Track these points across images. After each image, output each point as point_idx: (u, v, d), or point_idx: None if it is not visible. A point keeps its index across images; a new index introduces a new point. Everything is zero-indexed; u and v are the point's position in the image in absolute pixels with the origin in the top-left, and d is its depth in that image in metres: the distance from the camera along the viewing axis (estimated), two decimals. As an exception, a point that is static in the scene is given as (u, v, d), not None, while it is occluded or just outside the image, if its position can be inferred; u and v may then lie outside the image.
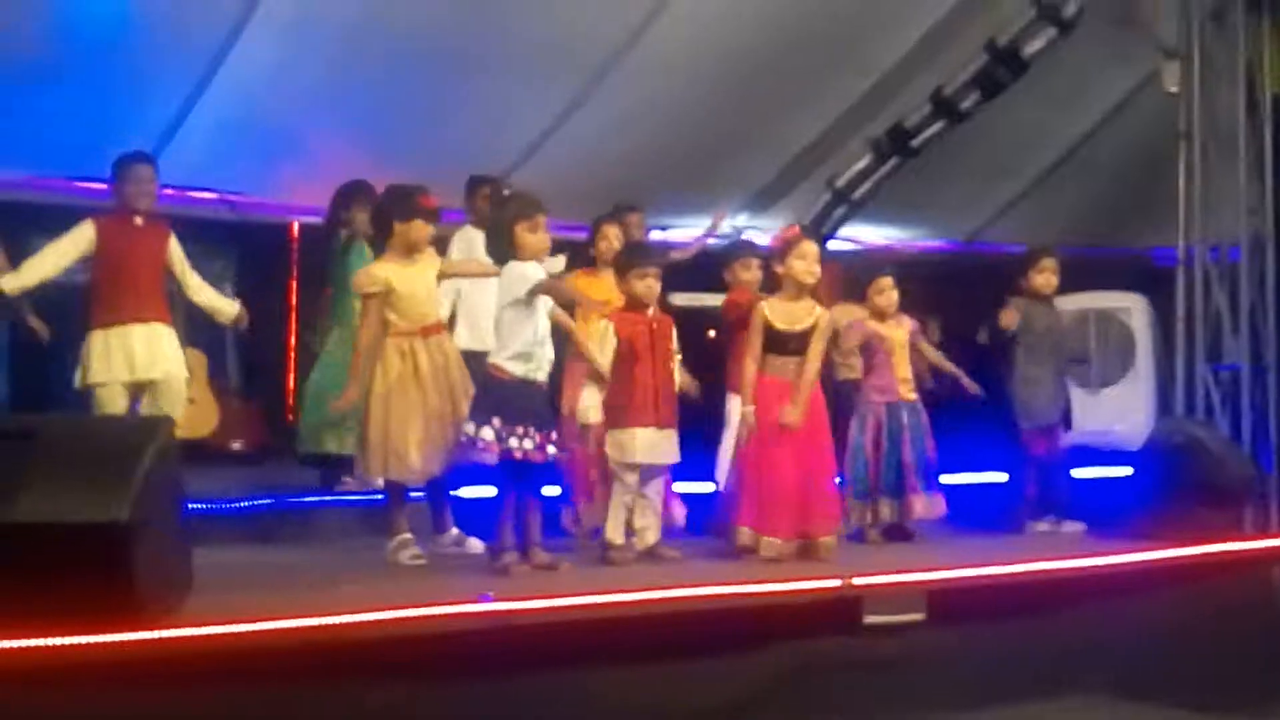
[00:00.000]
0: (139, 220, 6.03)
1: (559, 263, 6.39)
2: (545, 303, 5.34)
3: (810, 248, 5.78)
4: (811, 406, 5.74)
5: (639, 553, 5.68)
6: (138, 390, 5.99)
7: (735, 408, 5.98)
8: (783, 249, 5.80)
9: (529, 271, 5.26)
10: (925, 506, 6.38)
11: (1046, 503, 6.84)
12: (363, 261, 6.77)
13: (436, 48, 7.23)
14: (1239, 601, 6.17)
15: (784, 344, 5.73)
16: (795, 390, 5.67)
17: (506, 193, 6.48)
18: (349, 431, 6.49)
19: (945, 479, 6.63)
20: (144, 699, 3.92)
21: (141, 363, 5.93)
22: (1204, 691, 5.72)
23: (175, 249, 6.15)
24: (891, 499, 6.37)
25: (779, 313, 5.74)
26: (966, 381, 6.61)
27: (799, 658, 5.02)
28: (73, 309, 6.06)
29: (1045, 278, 6.92)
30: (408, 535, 5.55)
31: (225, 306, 6.37)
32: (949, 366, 6.66)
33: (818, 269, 5.79)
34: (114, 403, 5.89)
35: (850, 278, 6.86)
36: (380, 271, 5.60)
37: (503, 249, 5.33)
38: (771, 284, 5.97)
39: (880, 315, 6.52)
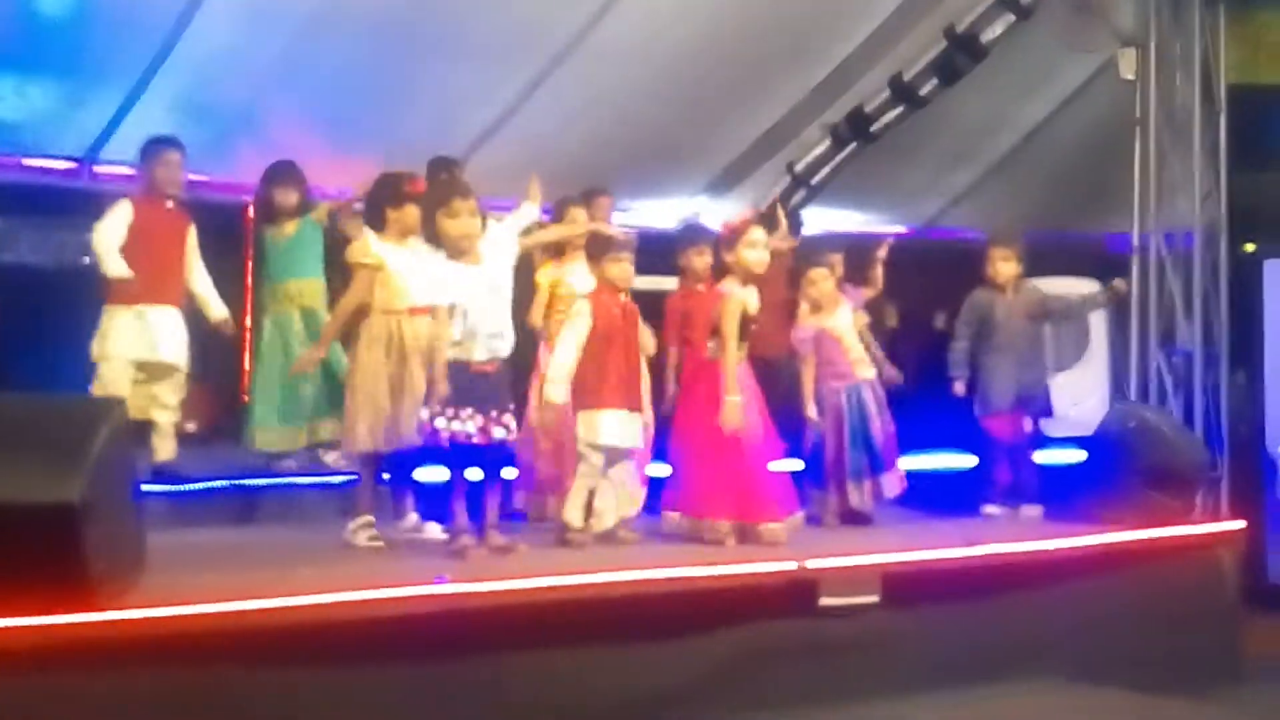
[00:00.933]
0: (168, 204, 6.24)
1: (533, 211, 6.32)
2: (471, 287, 5.27)
3: (759, 235, 5.79)
4: (747, 394, 5.73)
5: (596, 535, 5.68)
6: (141, 370, 6.16)
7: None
8: (732, 237, 5.80)
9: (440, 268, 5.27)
10: (897, 482, 6.39)
11: (1014, 487, 6.87)
12: (270, 244, 6.87)
13: (395, 30, 7.18)
14: (1190, 585, 6.25)
15: (748, 329, 5.75)
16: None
17: (443, 178, 6.42)
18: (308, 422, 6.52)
19: (911, 462, 6.67)
20: (96, 681, 3.91)
21: (153, 343, 6.13)
22: (1155, 674, 5.81)
23: (192, 236, 6.36)
24: (859, 481, 6.36)
25: (748, 297, 5.76)
26: (888, 369, 6.60)
27: (755, 640, 5.05)
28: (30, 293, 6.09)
29: (995, 267, 6.90)
30: (369, 517, 5.54)
31: (216, 306, 6.51)
32: (876, 353, 6.64)
33: (767, 256, 5.80)
34: (117, 379, 6.05)
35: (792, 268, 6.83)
36: (376, 247, 5.61)
37: (429, 235, 5.39)
38: (721, 271, 5.94)
39: (816, 307, 6.51)
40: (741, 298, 5.73)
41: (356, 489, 5.67)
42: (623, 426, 5.67)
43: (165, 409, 6.37)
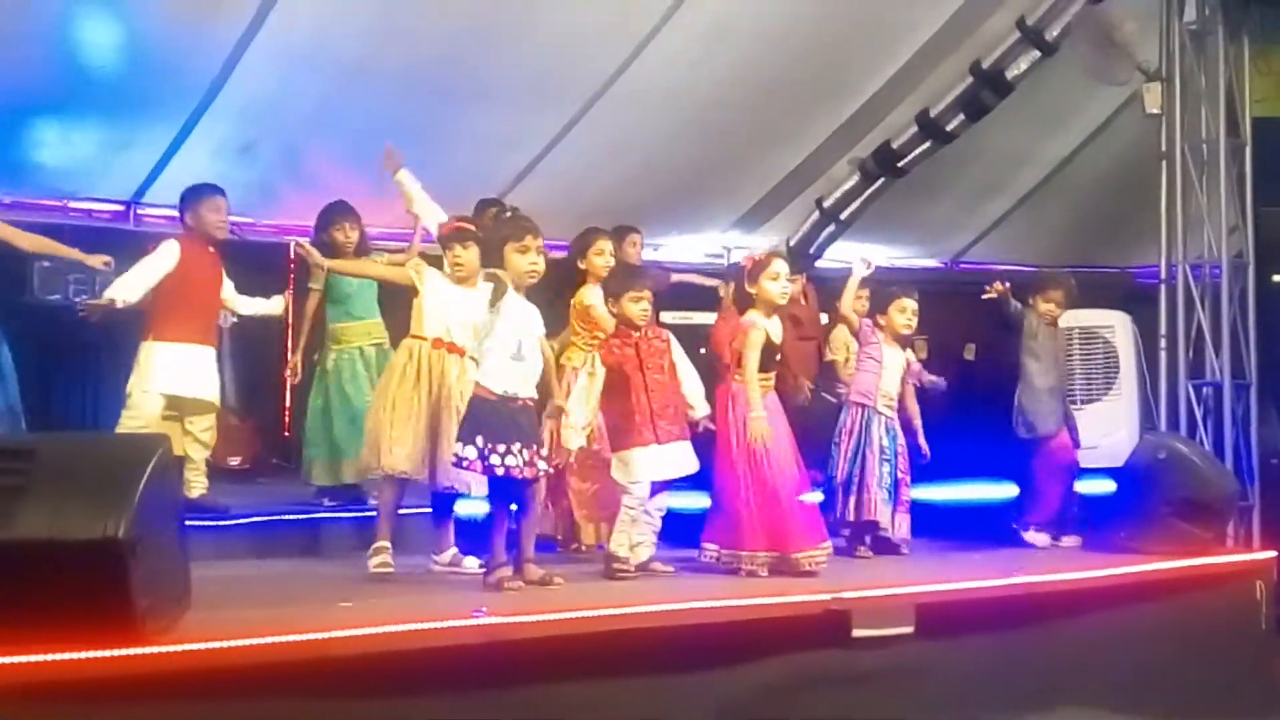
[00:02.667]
0: (211, 249, 6.45)
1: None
2: (524, 322, 5.35)
3: (781, 267, 5.86)
4: (778, 423, 5.81)
5: (635, 567, 5.74)
6: (171, 406, 6.27)
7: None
8: (754, 270, 5.88)
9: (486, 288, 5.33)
10: (884, 511, 6.39)
11: (1058, 517, 6.90)
12: (339, 282, 6.93)
13: (431, 76, 7.33)
14: (1222, 615, 6.25)
15: (772, 358, 5.83)
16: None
17: (506, 214, 6.54)
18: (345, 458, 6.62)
19: (940, 493, 6.69)
20: (142, 715, 3.94)
21: (188, 380, 6.27)
22: (1190, 703, 5.80)
23: (225, 278, 6.57)
24: (847, 494, 6.41)
25: (771, 328, 5.84)
26: (922, 442, 6.63)
27: (789, 671, 5.06)
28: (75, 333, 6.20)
29: (1043, 308, 7.02)
30: (383, 544, 5.59)
31: (273, 306, 6.85)
32: (917, 422, 6.67)
33: (789, 288, 5.89)
34: (149, 412, 6.16)
35: (872, 293, 6.91)
36: (430, 272, 5.80)
37: (492, 268, 5.39)
38: (743, 304, 6.00)
39: (895, 334, 6.59)
40: (763, 328, 5.81)
41: (377, 517, 5.72)
42: (656, 461, 5.72)
43: (198, 444, 6.47)
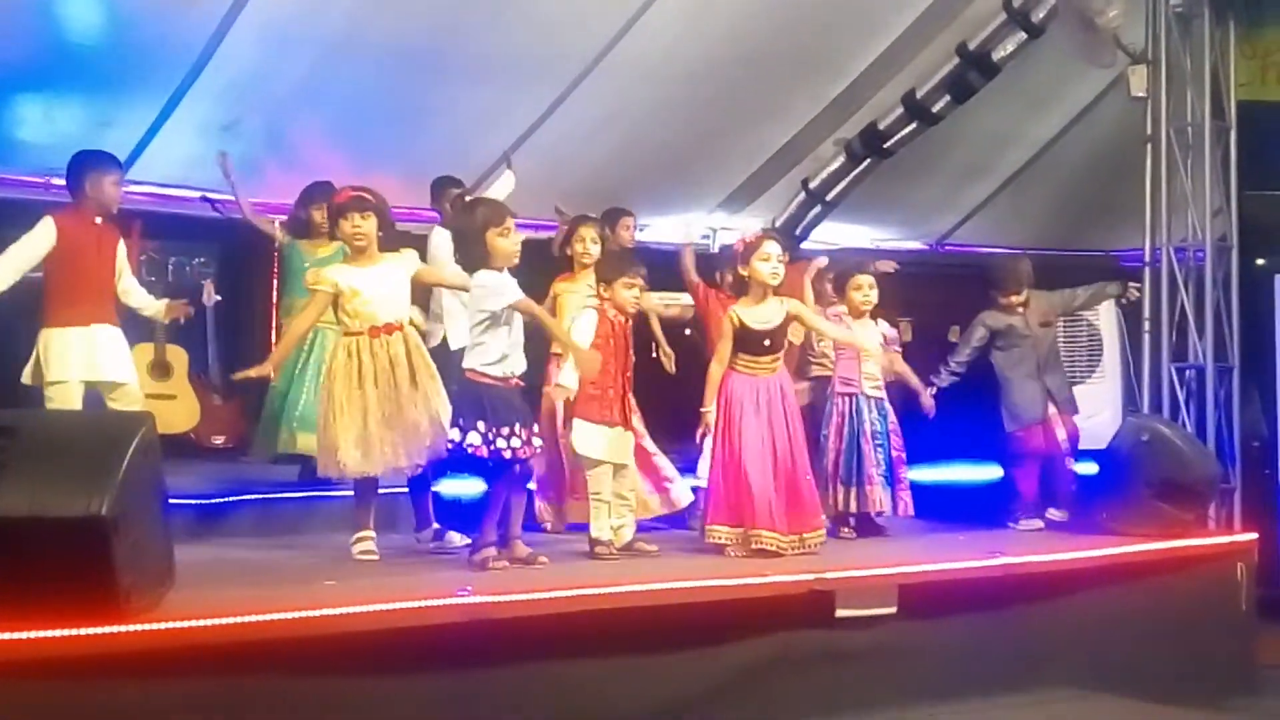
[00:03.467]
0: (98, 219, 5.98)
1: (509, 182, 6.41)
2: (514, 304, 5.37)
3: (772, 248, 5.85)
4: (786, 405, 5.83)
5: (619, 548, 5.75)
6: (94, 389, 5.94)
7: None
8: (745, 252, 5.88)
9: (501, 286, 5.30)
10: (881, 499, 6.42)
11: (1047, 494, 6.93)
12: (298, 257, 6.88)
13: (416, 53, 7.29)
14: (1203, 596, 6.30)
15: (758, 343, 5.81)
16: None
17: (468, 199, 6.50)
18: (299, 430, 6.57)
19: (930, 474, 6.71)
20: (125, 692, 3.96)
21: (102, 364, 5.89)
22: (1169, 684, 5.84)
23: (122, 250, 6.12)
24: (848, 487, 6.43)
25: (750, 314, 5.83)
26: (925, 399, 6.67)
27: (773, 650, 5.11)
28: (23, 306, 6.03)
29: (1008, 299, 7.02)
30: (366, 531, 5.58)
31: (152, 303, 6.30)
32: (913, 381, 6.71)
33: (781, 269, 5.86)
34: (69, 402, 5.81)
35: (830, 275, 6.92)
36: (331, 274, 5.61)
37: (475, 255, 5.37)
38: (738, 287, 6.03)
39: (856, 312, 6.60)
40: (735, 315, 5.81)
41: (354, 508, 5.68)
42: (614, 442, 5.76)
43: None
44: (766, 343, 5.82)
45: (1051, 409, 6.98)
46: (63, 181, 6.17)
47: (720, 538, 5.71)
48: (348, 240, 5.62)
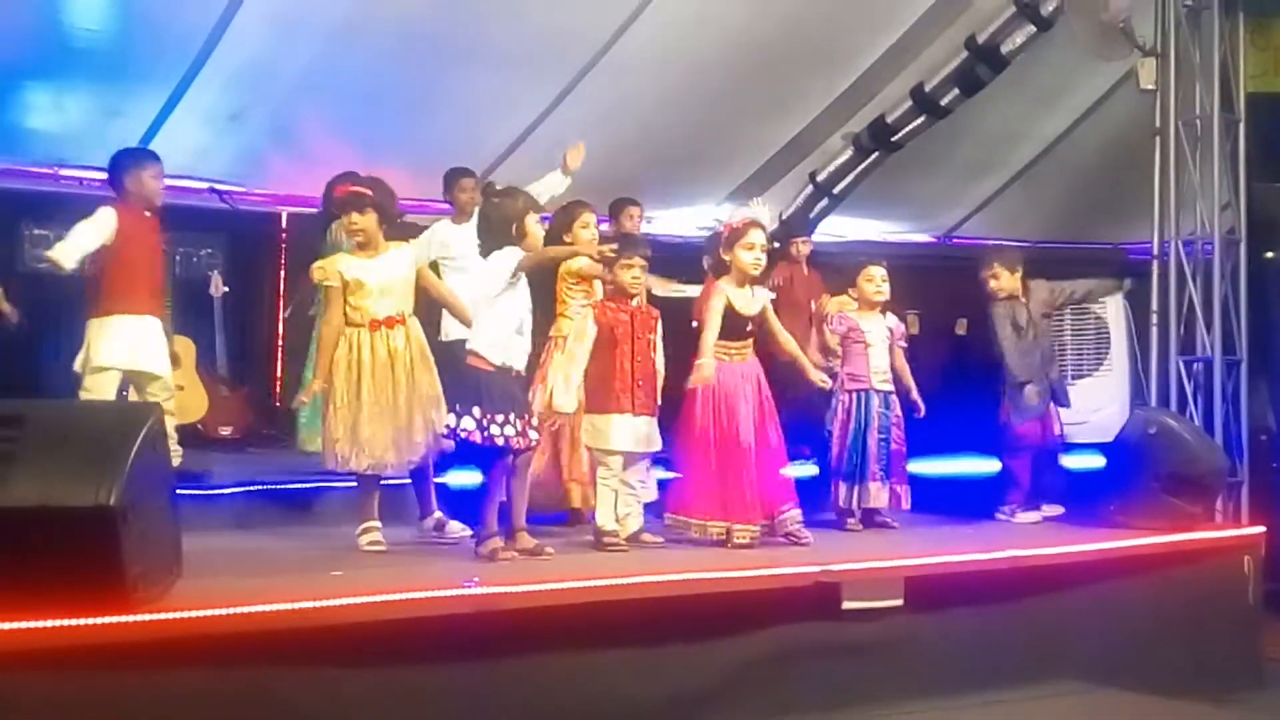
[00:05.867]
0: (148, 214, 6.16)
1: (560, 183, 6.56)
2: (525, 293, 5.39)
3: (757, 237, 5.82)
4: (758, 393, 5.81)
5: (624, 539, 5.75)
6: (127, 380, 6.07)
7: None
8: (730, 238, 5.85)
9: (509, 257, 5.31)
10: (879, 496, 6.41)
11: (1038, 488, 6.91)
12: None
13: (423, 40, 7.29)
14: (1210, 589, 6.28)
15: (741, 328, 5.80)
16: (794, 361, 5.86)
17: (499, 186, 6.52)
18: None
19: (933, 467, 6.71)
20: (132, 682, 3.96)
21: (145, 354, 6.05)
22: (1176, 677, 5.83)
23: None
24: (850, 484, 6.43)
25: (737, 296, 5.82)
26: (915, 398, 6.64)
27: (779, 642, 5.09)
28: (57, 296, 6.09)
29: (996, 284, 6.94)
30: (372, 522, 5.60)
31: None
32: (908, 379, 6.66)
33: (764, 259, 5.86)
34: (106, 389, 5.95)
35: (839, 268, 6.92)
36: (333, 264, 5.63)
37: (507, 239, 5.35)
38: (717, 270, 5.97)
39: (868, 303, 6.60)
40: (726, 294, 5.79)
41: (358, 498, 5.69)
42: (632, 431, 5.74)
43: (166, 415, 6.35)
44: (749, 328, 5.83)
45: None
46: (71, 171, 6.23)
47: (694, 531, 5.69)
48: (349, 236, 5.69)
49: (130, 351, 6.04)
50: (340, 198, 5.68)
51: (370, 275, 5.56)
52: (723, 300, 5.78)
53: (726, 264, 5.85)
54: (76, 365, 6.05)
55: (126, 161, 6.18)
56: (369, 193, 5.62)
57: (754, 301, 5.86)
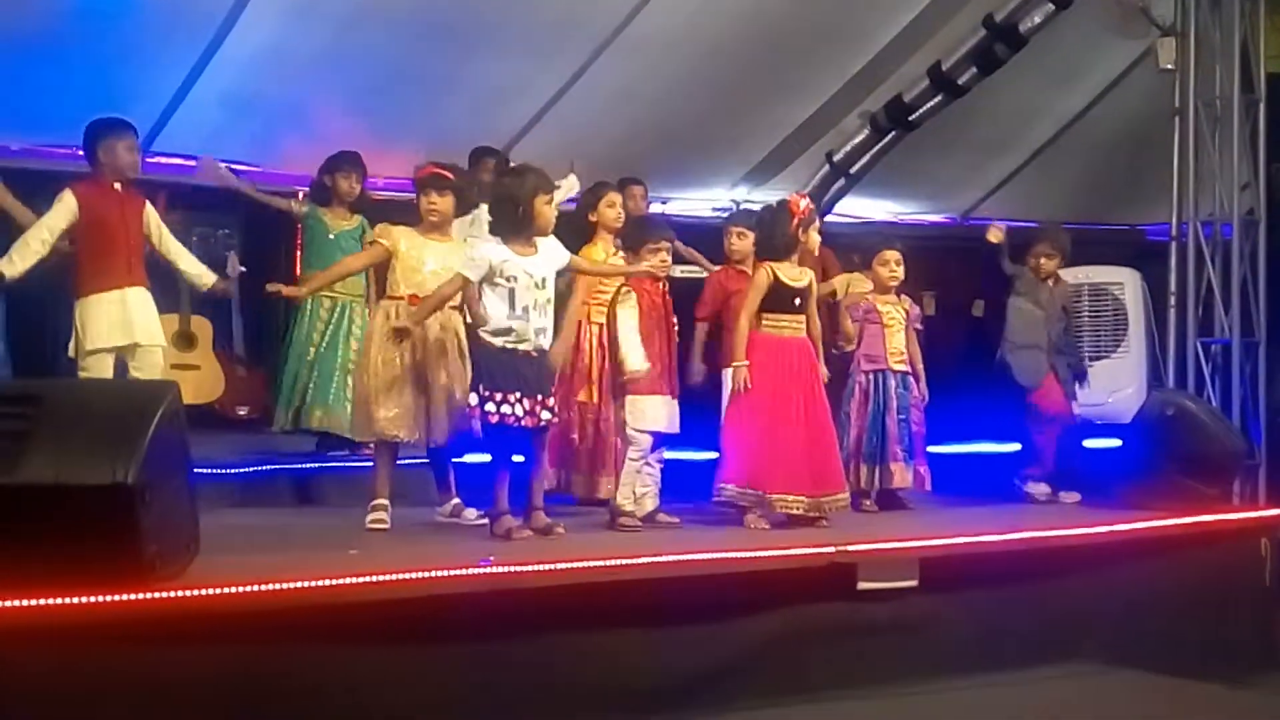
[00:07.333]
0: (118, 186, 5.96)
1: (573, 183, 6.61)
2: (518, 280, 5.32)
3: (816, 221, 6.00)
4: (810, 371, 5.85)
5: (641, 518, 5.75)
6: (121, 355, 5.98)
7: (728, 377, 6.08)
8: (807, 220, 5.90)
9: (491, 254, 5.27)
10: (903, 476, 6.44)
11: (1057, 473, 6.92)
12: (321, 227, 6.97)
13: (437, 23, 7.28)
14: (1227, 571, 6.26)
15: (789, 300, 5.84)
16: (812, 347, 5.89)
17: (513, 164, 6.52)
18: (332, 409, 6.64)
19: (950, 448, 6.69)
20: (150, 659, 3.97)
21: (133, 324, 5.92)
22: (1192, 659, 5.81)
23: (152, 215, 6.08)
24: (871, 465, 6.45)
25: (784, 270, 5.85)
26: (922, 385, 6.64)
27: (794, 622, 5.09)
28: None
29: (1039, 262, 7.00)
30: (381, 501, 5.61)
31: (204, 272, 6.25)
32: (918, 365, 6.66)
33: (819, 239, 6.02)
34: (103, 370, 5.87)
35: (857, 250, 6.92)
36: (398, 233, 5.72)
37: (515, 220, 5.32)
38: (774, 248, 5.99)
39: (883, 287, 6.60)
40: (769, 268, 5.82)
41: (373, 473, 5.71)
42: (667, 412, 5.77)
43: None
44: (797, 301, 5.85)
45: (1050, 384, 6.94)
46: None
47: (740, 499, 5.73)
48: (423, 215, 5.75)
49: (121, 325, 5.89)
50: (422, 177, 5.77)
51: (431, 257, 5.65)
52: (766, 276, 5.82)
53: (792, 244, 5.87)
54: (70, 351, 5.94)
55: (100, 131, 5.93)
56: (450, 175, 5.75)
57: (800, 276, 5.90)
